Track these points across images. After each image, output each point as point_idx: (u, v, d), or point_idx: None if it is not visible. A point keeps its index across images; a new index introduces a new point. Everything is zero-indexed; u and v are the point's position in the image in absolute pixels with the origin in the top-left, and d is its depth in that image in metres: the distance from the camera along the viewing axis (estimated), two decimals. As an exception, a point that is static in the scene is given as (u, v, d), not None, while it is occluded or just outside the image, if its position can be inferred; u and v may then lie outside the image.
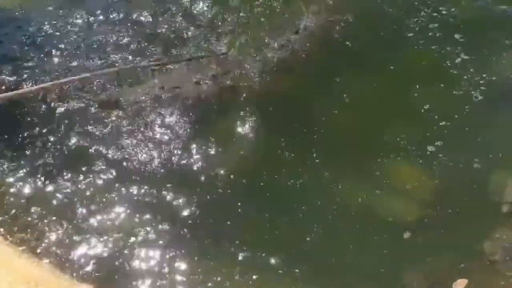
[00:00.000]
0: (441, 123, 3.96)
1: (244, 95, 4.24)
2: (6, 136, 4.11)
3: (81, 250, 3.55)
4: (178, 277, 3.42)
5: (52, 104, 4.26)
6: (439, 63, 4.26)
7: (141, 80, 4.36)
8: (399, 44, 4.48)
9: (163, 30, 4.77)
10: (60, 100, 4.27)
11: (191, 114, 4.18)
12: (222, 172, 3.85)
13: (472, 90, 4.08)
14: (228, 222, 3.64)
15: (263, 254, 3.47)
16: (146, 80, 4.34)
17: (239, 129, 4.09)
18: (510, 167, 3.69)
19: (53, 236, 3.60)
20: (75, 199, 3.78)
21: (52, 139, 4.09)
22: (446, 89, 4.12)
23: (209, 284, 3.38)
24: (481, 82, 4.10)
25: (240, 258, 3.47)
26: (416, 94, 4.12)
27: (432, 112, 4.03)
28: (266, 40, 4.56)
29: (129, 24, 4.84)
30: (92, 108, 4.22)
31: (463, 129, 3.92)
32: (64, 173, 3.91)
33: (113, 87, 4.33)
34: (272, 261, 3.45)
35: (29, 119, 4.19)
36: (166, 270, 3.46)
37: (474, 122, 3.93)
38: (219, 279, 3.39)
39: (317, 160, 3.87)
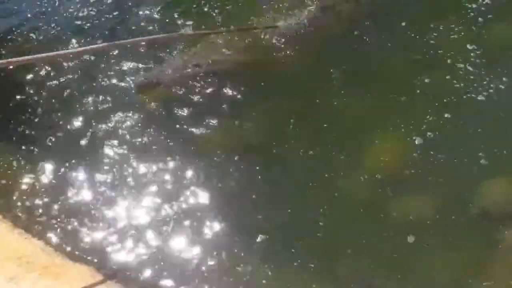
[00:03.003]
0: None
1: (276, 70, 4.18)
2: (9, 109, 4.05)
3: (75, 228, 3.47)
4: (178, 257, 3.36)
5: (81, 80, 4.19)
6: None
7: (176, 57, 4.25)
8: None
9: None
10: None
11: (226, 90, 4.06)
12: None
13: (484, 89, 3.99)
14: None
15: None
16: (181, 56, 4.23)
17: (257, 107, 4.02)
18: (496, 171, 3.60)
19: (46, 213, 3.52)
20: (73, 177, 3.71)
21: (65, 118, 4.03)
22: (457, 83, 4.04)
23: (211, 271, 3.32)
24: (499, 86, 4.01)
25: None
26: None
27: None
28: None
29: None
30: (129, 88, 4.12)
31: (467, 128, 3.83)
32: (67, 151, 3.84)
33: (151, 67, 4.20)
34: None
35: (36, 91, 4.14)
36: (166, 250, 3.39)
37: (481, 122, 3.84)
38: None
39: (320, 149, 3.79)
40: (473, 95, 3.93)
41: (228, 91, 4.06)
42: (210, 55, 4.16)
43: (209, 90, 4.06)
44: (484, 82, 3.99)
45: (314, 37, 4.32)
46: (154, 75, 4.08)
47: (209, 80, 4.08)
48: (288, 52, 4.25)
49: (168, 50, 4.32)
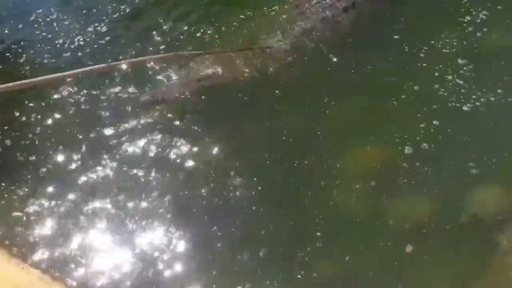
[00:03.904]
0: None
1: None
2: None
3: (72, 257, 3.45)
4: (179, 281, 3.36)
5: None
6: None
7: (179, 73, 4.30)
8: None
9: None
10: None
11: (227, 104, 4.15)
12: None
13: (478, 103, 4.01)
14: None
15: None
16: (184, 72, 4.29)
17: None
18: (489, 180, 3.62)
19: (43, 242, 3.51)
20: (71, 204, 3.70)
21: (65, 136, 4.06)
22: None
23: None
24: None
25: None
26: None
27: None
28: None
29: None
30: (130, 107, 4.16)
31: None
32: (64, 179, 3.83)
33: (155, 84, 4.26)
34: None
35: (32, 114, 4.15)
36: (166, 274, 3.39)
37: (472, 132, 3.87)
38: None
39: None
40: (463, 105, 3.96)
41: (230, 105, 4.14)
42: (211, 70, 4.23)
43: (211, 105, 4.12)
44: (475, 93, 4.01)
45: (311, 49, 4.39)
46: (158, 92, 4.14)
47: (212, 94, 4.14)
48: (286, 63, 4.33)
49: (171, 66, 4.36)
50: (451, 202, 3.54)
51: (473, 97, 3.99)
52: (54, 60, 4.60)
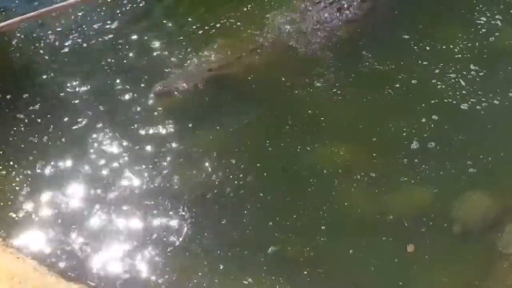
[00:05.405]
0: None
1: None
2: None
3: (69, 247, 3.43)
4: (170, 274, 3.34)
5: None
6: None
7: (190, 63, 4.34)
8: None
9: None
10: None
11: (236, 93, 4.18)
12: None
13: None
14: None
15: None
16: (195, 62, 4.34)
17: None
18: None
19: (39, 233, 3.49)
20: (67, 197, 3.67)
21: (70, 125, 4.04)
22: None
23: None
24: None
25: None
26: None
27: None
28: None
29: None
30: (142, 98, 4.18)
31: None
32: (62, 168, 3.81)
33: (168, 74, 4.29)
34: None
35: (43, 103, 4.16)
36: (161, 264, 3.38)
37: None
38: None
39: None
40: (458, 107, 3.98)
41: (238, 94, 4.16)
42: (221, 59, 4.29)
43: (221, 94, 4.15)
44: (481, 94, 4.03)
45: (324, 39, 4.42)
46: (170, 82, 4.19)
47: (222, 84, 4.18)
48: (296, 54, 4.36)
49: (182, 57, 4.40)
50: (447, 201, 3.55)
51: (474, 99, 4.00)
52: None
